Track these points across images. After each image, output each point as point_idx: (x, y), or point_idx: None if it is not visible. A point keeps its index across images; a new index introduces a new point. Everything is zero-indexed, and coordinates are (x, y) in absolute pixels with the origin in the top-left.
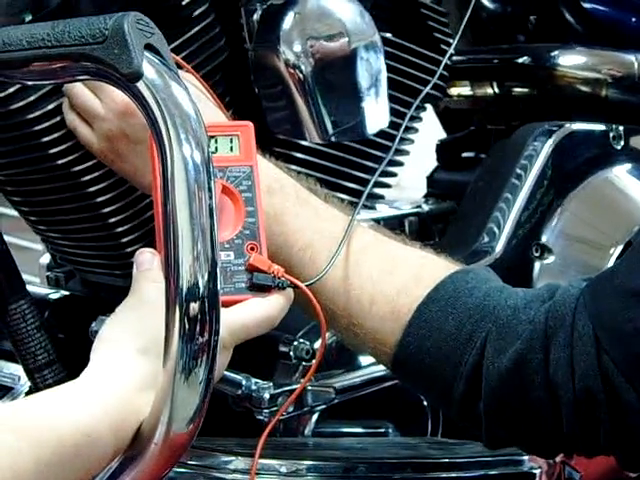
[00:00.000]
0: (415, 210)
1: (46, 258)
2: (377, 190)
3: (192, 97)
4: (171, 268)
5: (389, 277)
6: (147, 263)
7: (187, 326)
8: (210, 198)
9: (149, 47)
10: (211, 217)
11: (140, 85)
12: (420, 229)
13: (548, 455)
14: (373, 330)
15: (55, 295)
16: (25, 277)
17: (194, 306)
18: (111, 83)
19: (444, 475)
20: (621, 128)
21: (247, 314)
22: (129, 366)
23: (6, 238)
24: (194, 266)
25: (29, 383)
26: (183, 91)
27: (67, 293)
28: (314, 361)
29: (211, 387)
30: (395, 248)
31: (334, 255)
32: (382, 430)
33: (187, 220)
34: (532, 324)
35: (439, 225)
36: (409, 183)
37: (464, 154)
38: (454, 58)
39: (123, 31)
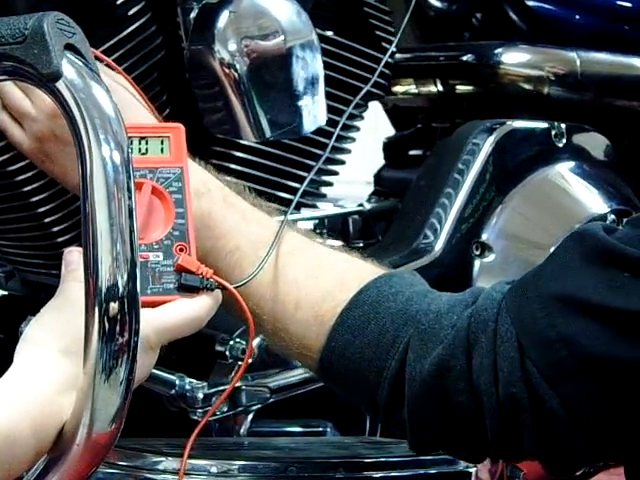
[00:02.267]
0: (358, 209)
1: None
2: (319, 188)
3: (122, 99)
4: (90, 268)
5: (314, 281)
6: (75, 263)
7: (107, 326)
8: (129, 199)
9: (70, 47)
10: (130, 217)
11: (60, 85)
12: (363, 227)
13: (474, 460)
14: (298, 335)
15: None
16: None
17: (113, 306)
18: (31, 83)
19: (378, 475)
20: (563, 126)
21: (174, 314)
22: (51, 367)
23: None
24: (113, 266)
25: None
26: (103, 91)
27: (5, 293)
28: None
29: (132, 387)
30: (322, 252)
31: (263, 258)
32: (320, 429)
33: (106, 221)
34: (454, 329)
35: (382, 223)
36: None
37: (411, 152)
38: (399, 56)
39: (43, 31)
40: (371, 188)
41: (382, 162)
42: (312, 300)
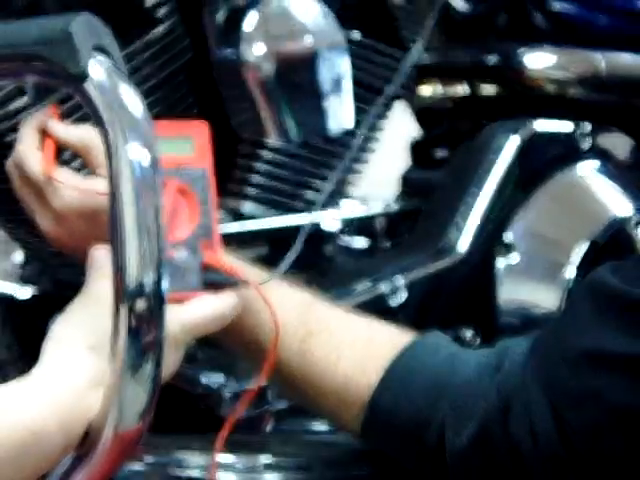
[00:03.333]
0: (384, 209)
1: (19, 255)
2: (345, 188)
3: None
4: (118, 266)
5: (334, 369)
6: (100, 260)
7: (134, 323)
8: (157, 198)
9: (98, 48)
10: (157, 216)
11: (87, 85)
12: (389, 228)
13: None
14: (330, 417)
15: (24, 293)
16: None
17: (140, 303)
18: (59, 83)
19: (404, 472)
20: (588, 127)
21: (200, 311)
22: (79, 363)
23: None
24: (140, 264)
25: None
26: (131, 91)
27: (37, 291)
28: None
29: (159, 383)
30: (338, 331)
31: (285, 261)
32: None
33: (133, 219)
34: (486, 401)
35: (408, 223)
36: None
37: (436, 153)
38: (426, 57)
39: (71, 32)
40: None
41: (395, 162)
42: (336, 388)
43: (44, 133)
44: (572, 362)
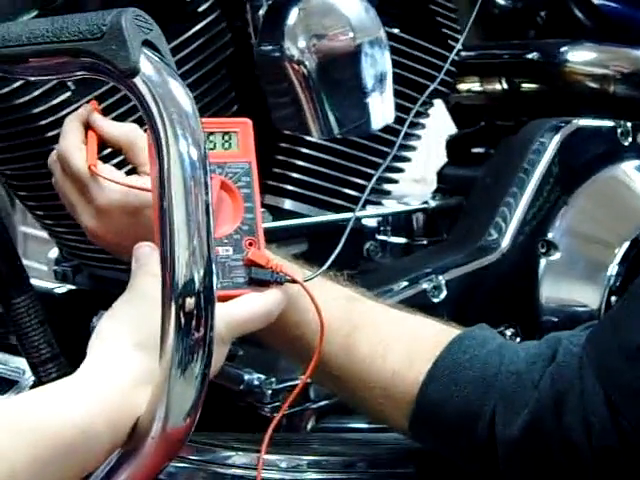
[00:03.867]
0: (422, 206)
1: (54, 252)
2: (384, 186)
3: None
4: (167, 263)
5: (381, 362)
6: (146, 257)
7: (183, 321)
8: (206, 194)
9: (147, 43)
10: (207, 213)
11: (137, 81)
12: (427, 225)
13: None
14: (376, 414)
15: (61, 289)
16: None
17: (190, 301)
18: (108, 79)
19: (447, 471)
20: (629, 124)
21: (245, 308)
22: (126, 361)
23: (25, 230)
24: (190, 261)
25: (33, 377)
26: (180, 87)
27: (73, 287)
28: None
29: (207, 382)
30: (384, 325)
31: (331, 258)
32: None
33: (183, 216)
34: (538, 390)
35: (446, 221)
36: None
37: (473, 150)
38: (464, 54)
39: (120, 27)
40: (420, 186)
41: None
42: (383, 382)
43: (87, 128)
44: (629, 355)
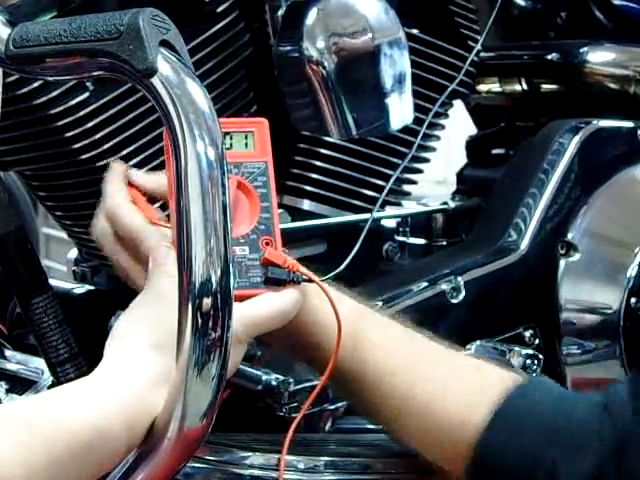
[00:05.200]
0: (442, 207)
1: (74, 253)
2: (403, 187)
3: None
4: (184, 264)
5: (442, 405)
6: (162, 257)
7: (200, 321)
8: (223, 194)
9: (164, 43)
10: (224, 213)
11: (154, 81)
12: (446, 226)
13: None
14: (434, 458)
15: (80, 290)
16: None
17: (207, 301)
18: (126, 78)
19: None
20: None
21: (262, 308)
22: (142, 361)
23: (47, 231)
24: (207, 262)
25: (52, 377)
26: (198, 87)
27: (92, 288)
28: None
29: (224, 382)
30: (440, 367)
31: (350, 256)
32: None
33: (200, 216)
34: (600, 440)
35: (466, 222)
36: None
37: (493, 151)
38: (483, 54)
39: (138, 27)
40: (442, 188)
41: (452, 161)
42: (439, 422)
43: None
44: None
